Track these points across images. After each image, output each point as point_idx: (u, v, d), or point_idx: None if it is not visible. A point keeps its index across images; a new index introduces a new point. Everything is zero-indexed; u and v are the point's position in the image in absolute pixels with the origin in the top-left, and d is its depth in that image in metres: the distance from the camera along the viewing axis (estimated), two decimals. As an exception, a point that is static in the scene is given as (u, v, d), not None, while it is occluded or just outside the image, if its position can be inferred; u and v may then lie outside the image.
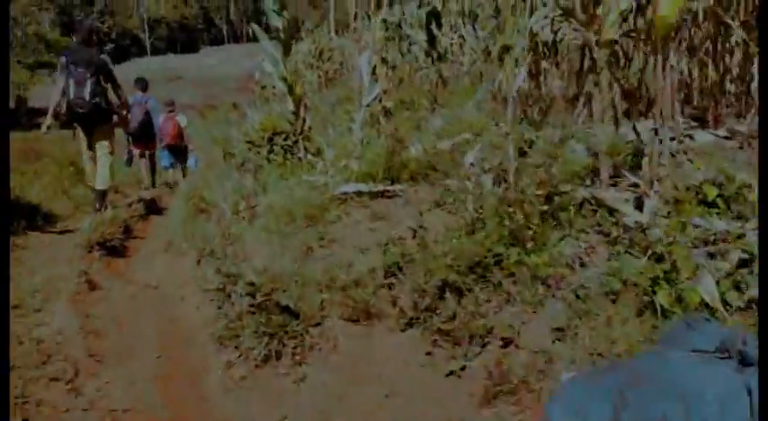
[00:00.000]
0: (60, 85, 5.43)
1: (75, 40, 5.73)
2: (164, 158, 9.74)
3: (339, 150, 4.79)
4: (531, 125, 4.46)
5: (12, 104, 30.14)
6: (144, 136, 8.72)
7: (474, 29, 7.95)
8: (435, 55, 7.55)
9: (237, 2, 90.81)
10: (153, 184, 9.21)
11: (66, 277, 3.83)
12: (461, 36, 7.99)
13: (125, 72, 34.99)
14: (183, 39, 78.74)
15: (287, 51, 5.05)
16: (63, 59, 5.45)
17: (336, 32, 21.82)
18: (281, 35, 5.16)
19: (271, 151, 5.51)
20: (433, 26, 7.39)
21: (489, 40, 7.41)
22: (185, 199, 5.87)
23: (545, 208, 2.56)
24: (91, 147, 5.80)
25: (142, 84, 8.90)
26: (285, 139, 5.50)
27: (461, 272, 2.44)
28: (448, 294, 2.43)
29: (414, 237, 2.94)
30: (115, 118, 6.06)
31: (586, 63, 4.16)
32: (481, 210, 2.77)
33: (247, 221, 4.09)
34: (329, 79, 16.96)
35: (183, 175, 9.53)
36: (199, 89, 44.16)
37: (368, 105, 4.98)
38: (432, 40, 7.52)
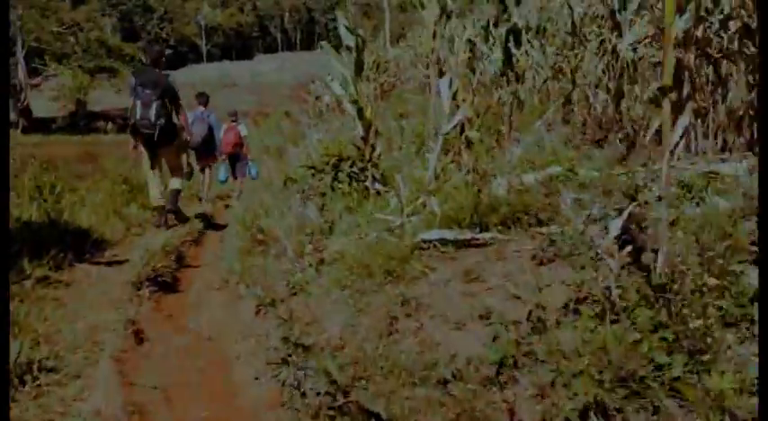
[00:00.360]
0: (131, 105, 5.62)
1: (144, 61, 5.92)
2: (221, 172, 9.98)
3: (413, 184, 4.25)
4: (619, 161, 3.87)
5: (72, 107, 30.87)
6: (205, 150, 8.85)
7: (541, 44, 7.37)
8: (513, 75, 6.95)
9: (292, 11, 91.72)
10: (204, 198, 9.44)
11: (112, 326, 3.38)
12: (526, 52, 7.41)
13: (182, 78, 35.42)
14: (238, 46, 79.93)
15: (359, 72, 4.54)
16: (132, 81, 5.66)
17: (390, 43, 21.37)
18: (354, 54, 4.66)
19: (335, 178, 5.02)
20: (511, 44, 6.81)
21: (558, 56, 6.86)
22: (242, 226, 5.44)
23: (720, 302, 1.94)
24: (153, 166, 5.91)
25: (204, 99, 8.99)
26: (351, 166, 5.00)
27: (605, 385, 1.84)
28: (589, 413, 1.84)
29: (528, 317, 2.36)
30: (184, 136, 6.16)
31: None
32: (619, 290, 2.16)
33: (314, 268, 3.58)
34: (384, 91, 16.51)
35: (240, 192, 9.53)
36: (252, 96, 44.54)
37: (446, 134, 4.43)
38: (509, 58, 6.93)
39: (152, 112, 5.47)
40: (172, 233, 5.99)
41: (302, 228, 4.16)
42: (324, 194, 4.91)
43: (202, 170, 9.12)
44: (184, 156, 7.19)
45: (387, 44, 23.31)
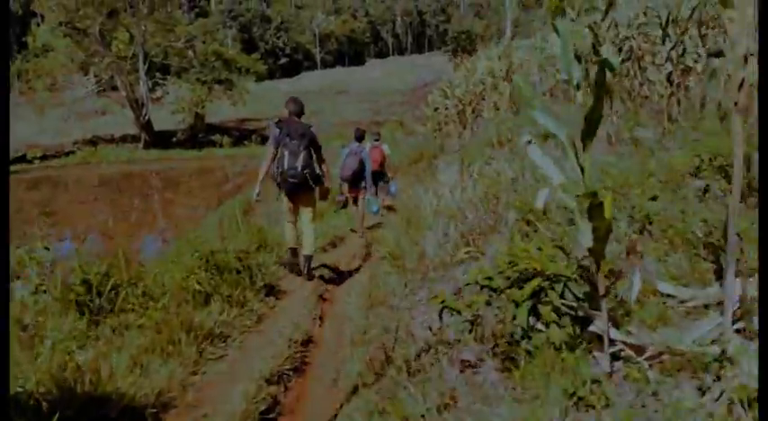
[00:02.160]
0: (270, 153, 5.72)
1: (287, 111, 5.91)
2: (373, 204, 10.24)
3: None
4: None
5: (191, 120, 30.96)
6: (357, 183, 9.14)
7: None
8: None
9: (403, 15, 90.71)
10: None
11: None
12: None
13: (296, 86, 34.98)
14: (350, 52, 79.93)
15: (586, 145, 2.46)
16: (276, 131, 5.72)
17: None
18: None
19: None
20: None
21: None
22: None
23: None
24: (294, 211, 6.04)
25: (359, 134, 9.38)
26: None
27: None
28: None
29: None
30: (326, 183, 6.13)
31: None
32: None
33: None
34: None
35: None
36: (364, 103, 43.48)
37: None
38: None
39: (299, 162, 5.60)
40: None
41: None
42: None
43: (355, 201, 9.42)
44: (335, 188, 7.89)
45: (509, 44, 20.95)
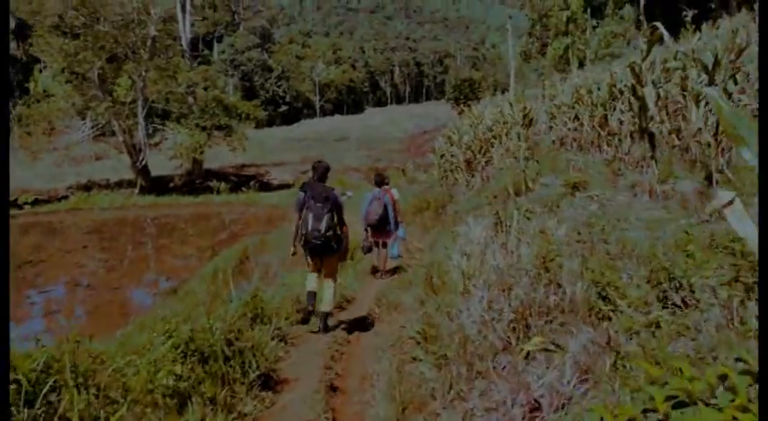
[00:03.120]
0: (297, 217, 5.94)
1: (312, 176, 6.08)
2: (394, 249, 10.05)
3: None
4: None
5: (189, 166, 30.01)
6: (381, 227, 9.45)
7: None
8: None
9: (402, 65, 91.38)
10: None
11: None
12: None
13: (296, 131, 34.34)
14: (349, 101, 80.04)
15: None
16: (302, 195, 5.91)
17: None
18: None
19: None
20: None
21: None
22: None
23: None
24: (316, 270, 6.13)
25: (379, 179, 9.83)
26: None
27: None
28: None
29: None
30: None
31: None
32: None
33: None
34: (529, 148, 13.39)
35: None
36: (362, 150, 42.78)
37: None
38: None
39: (323, 225, 5.74)
40: None
41: None
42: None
43: (376, 245, 9.65)
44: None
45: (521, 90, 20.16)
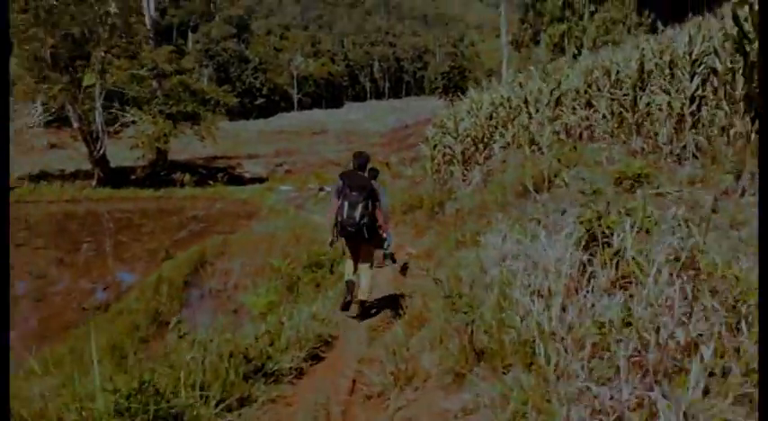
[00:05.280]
0: (335, 204, 6.02)
1: (352, 164, 6.15)
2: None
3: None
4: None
5: (152, 157, 27.20)
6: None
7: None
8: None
9: (381, 60, 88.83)
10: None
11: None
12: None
13: (273, 124, 31.74)
14: (328, 95, 77.34)
15: None
16: (340, 183, 5.96)
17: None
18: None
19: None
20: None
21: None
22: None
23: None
24: (353, 258, 6.18)
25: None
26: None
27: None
28: None
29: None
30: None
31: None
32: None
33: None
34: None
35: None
36: (342, 144, 40.27)
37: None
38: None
39: (357, 213, 5.75)
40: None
41: None
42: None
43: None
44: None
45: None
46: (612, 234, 2.91)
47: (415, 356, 3.70)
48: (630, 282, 2.67)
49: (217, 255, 11.81)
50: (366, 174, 6.24)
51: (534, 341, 2.79)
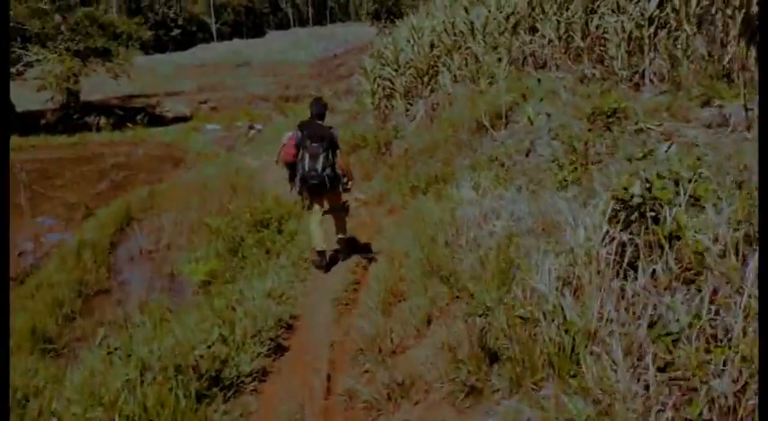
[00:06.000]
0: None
1: (309, 113, 5.85)
2: None
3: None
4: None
5: (62, 99, 24.81)
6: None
7: None
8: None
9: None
10: None
11: None
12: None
13: (192, 57, 29.24)
14: (248, 23, 73.11)
15: None
16: (299, 134, 5.76)
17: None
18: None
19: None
20: None
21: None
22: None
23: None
24: (318, 208, 6.03)
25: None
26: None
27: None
28: None
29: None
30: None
31: None
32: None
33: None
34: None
35: None
36: (268, 76, 38.22)
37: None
38: None
39: (319, 165, 5.59)
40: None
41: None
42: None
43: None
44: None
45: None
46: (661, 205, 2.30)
47: (403, 350, 3.07)
48: (697, 273, 2.09)
49: (144, 209, 10.71)
50: (323, 123, 5.89)
51: (573, 347, 2.20)
